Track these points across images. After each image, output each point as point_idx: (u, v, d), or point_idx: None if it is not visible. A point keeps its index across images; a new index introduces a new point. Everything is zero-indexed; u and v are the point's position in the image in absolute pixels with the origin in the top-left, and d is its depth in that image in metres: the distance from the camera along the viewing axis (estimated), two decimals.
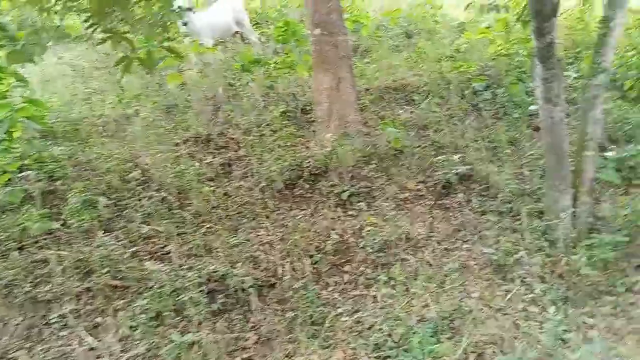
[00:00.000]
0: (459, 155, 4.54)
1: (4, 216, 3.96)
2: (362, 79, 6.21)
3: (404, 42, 7.37)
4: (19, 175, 4.24)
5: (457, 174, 4.29)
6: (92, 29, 2.15)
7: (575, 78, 5.39)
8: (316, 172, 4.51)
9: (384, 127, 4.69)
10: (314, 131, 5.07)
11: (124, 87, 6.28)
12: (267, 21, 8.65)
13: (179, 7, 6.25)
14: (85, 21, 2.18)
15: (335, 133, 4.68)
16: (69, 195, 4.03)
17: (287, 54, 6.10)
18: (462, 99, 5.59)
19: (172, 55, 2.62)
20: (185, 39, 7.07)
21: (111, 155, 4.65)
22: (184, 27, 6.53)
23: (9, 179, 4.17)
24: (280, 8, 8.88)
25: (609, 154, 3.90)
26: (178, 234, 3.82)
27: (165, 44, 2.57)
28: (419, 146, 4.83)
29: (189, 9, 6.53)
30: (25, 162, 4.47)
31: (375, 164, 4.57)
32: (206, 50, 6.48)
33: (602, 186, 3.91)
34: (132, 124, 5.37)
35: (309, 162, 4.55)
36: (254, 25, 8.46)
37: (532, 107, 5.01)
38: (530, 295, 3.08)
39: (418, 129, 5.25)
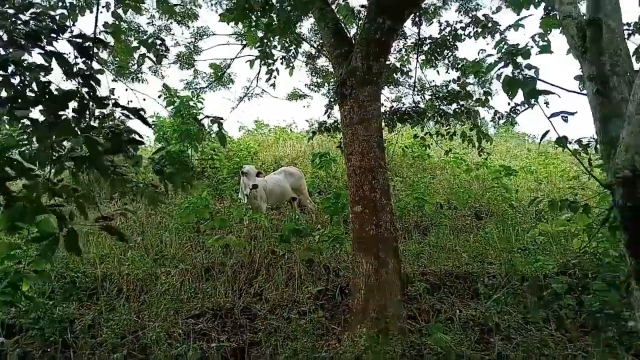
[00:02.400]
0: None
1: None
2: (418, 261, 5.45)
3: (471, 224, 6.66)
4: None
5: None
6: None
7: None
8: None
9: (432, 330, 3.75)
10: (349, 320, 4.23)
11: (165, 245, 6.05)
12: (331, 190, 8.47)
13: (253, 185, 6.22)
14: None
15: (372, 328, 3.80)
16: None
17: (334, 226, 5.61)
18: (538, 300, 4.56)
19: (114, 235, 2.18)
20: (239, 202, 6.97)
21: (111, 324, 4.09)
22: (247, 190, 6.35)
23: None
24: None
25: None
26: None
27: (101, 222, 2.13)
28: (480, 359, 3.78)
29: (259, 174, 6.52)
30: (22, 320, 4.03)
31: None
32: (255, 216, 6.22)
33: None
34: (156, 286, 4.90)
35: None
36: (317, 192, 8.33)
37: (630, 324, 3.85)
38: None
39: (481, 333, 4.23)
